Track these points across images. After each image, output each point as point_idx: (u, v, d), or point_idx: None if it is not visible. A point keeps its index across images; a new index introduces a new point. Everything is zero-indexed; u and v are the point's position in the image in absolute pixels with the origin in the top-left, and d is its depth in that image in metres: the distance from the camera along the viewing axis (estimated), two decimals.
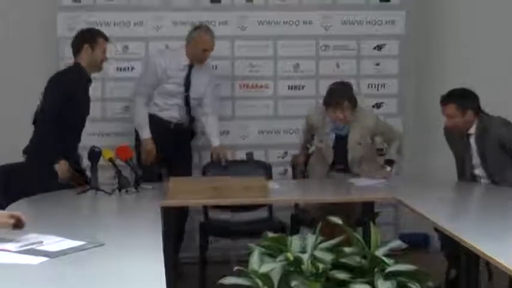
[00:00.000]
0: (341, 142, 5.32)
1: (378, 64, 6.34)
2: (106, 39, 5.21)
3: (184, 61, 5.71)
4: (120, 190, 4.76)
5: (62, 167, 4.96)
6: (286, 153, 6.20)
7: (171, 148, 5.71)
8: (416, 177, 5.90)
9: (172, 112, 5.75)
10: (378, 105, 6.28)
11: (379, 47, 6.30)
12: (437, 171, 5.98)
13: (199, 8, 6.12)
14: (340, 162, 5.40)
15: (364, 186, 5.05)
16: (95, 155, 4.80)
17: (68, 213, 4.37)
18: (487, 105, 5.12)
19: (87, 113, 5.29)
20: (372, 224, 3.04)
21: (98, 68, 5.24)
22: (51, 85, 5.09)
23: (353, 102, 5.21)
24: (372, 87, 6.34)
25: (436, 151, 5.76)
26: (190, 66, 5.73)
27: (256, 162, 5.73)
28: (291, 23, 6.27)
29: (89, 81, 5.25)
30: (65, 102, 4.98)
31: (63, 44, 5.92)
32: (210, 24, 5.97)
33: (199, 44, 5.60)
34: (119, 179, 4.78)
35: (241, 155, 5.87)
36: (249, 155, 5.83)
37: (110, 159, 4.79)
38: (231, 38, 6.18)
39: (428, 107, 6.17)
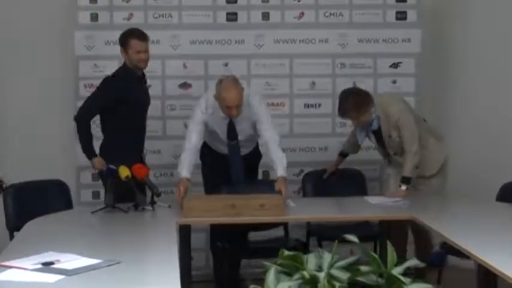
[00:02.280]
0: (379, 137, 5.38)
1: (394, 82, 6.32)
2: (140, 38, 5.28)
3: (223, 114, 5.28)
4: (136, 208, 4.75)
5: (97, 162, 5.16)
6: (301, 171, 6.10)
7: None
8: (434, 195, 5.76)
9: (223, 150, 5.50)
10: None
11: (395, 65, 6.29)
12: (455, 189, 5.89)
13: (216, 27, 6.15)
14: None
15: (380, 205, 5.02)
16: (110, 173, 4.80)
17: (84, 231, 4.39)
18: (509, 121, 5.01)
19: (145, 107, 5.45)
20: (388, 243, 3.03)
21: (138, 67, 5.33)
22: (101, 88, 5.30)
23: (362, 110, 5.21)
24: None
25: (454, 169, 5.69)
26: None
27: (270, 181, 5.58)
28: (307, 41, 6.27)
29: (141, 77, 5.40)
30: (116, 105, 5.18)
31: (81, 62, 6.00)
32: (226, 43, 6.07)
33: (222, 101, 5.15)
34: (135, 196, 4.76)
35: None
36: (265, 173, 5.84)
37: (127, 177, 4.77)
38: (248, 57, 6.18)
39: (446, 124, 6.18)
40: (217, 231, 5.45)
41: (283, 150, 5.21)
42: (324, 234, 5.44)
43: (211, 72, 6.13)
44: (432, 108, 6.37)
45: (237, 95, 5.11)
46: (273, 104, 6.14)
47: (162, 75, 6.18)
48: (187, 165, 5.15)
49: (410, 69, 6.34)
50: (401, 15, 6.33)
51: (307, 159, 6.14)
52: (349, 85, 6.01)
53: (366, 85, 6.10)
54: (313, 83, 6.31)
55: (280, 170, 5.09)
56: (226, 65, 6.06)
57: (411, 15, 6.33)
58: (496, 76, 6.06)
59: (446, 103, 6.36)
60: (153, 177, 5.47)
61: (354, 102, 5.21)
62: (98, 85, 5.38)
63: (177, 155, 5.89)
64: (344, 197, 5.39)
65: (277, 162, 5.11)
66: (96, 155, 5.21)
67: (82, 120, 5.27)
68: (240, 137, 5.36)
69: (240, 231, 5.32)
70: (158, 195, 4.84)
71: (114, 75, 5.37)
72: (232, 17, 6.22)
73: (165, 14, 6.17)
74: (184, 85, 6.20)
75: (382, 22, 6.32)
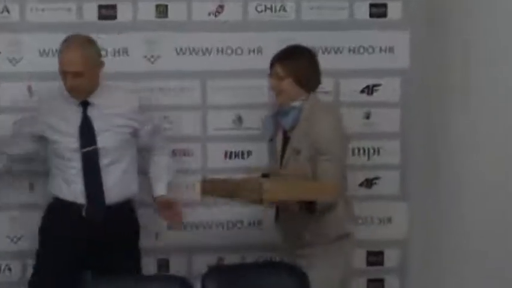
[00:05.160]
0: (285, 142, 5.02)
1: (367, 117, 5.63)
2: None
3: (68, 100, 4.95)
4: None
5: None
6: (220, 259, 5.50)
7: (101, 251, 4.85)
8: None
9: (77, 187, 4.91)
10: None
11: (369, 90, 5.59)
12: None
13: (82, 27, 5.23)
14: None
15: None
16: None
17: None
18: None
19: None
20: None
21: None
22: None
23: (292, 72, 4.82)
24: (361, 152, 5.66)
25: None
26: (84, 105, 4.88)
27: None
28: (229, 51, 5.53)
29: None
30: None
31: None
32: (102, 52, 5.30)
33: (59, 65, 4.89)
34: None
35: None
36: None
37: None
38: (134, 76, 5.39)
39: (447, 183, 5.42)
40: None
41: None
42: None
43: None
44: (425, 157, 5.63)
45: (77, 57, 4.80)
46: (174, 153, 5.48)
47: None
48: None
49: (393, 96, 5.63)
50: (378, 10, 5.60)
51: (228, 242, 5.50)
52: None
53: None
54: (239, 118, 5.58)
55: (160, 186, 5.07)
56: None
57: (394, 10, 5.60)
58: None
59: (448, 147, 5.50)
60: None
61: (298, 60, 4.85)
62: None
63: None
64: None
65: (162, 172, 5.14)
66: None
67: None
68: (100, 143, 4.88)
69: None
70: None
71: None
72: (108, 12, 5.45)
73: None
74: None
75: (347, 20, 5.58)
